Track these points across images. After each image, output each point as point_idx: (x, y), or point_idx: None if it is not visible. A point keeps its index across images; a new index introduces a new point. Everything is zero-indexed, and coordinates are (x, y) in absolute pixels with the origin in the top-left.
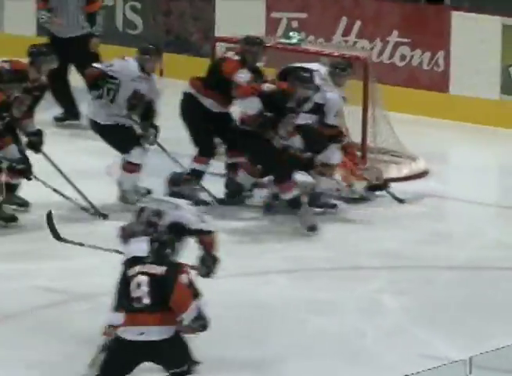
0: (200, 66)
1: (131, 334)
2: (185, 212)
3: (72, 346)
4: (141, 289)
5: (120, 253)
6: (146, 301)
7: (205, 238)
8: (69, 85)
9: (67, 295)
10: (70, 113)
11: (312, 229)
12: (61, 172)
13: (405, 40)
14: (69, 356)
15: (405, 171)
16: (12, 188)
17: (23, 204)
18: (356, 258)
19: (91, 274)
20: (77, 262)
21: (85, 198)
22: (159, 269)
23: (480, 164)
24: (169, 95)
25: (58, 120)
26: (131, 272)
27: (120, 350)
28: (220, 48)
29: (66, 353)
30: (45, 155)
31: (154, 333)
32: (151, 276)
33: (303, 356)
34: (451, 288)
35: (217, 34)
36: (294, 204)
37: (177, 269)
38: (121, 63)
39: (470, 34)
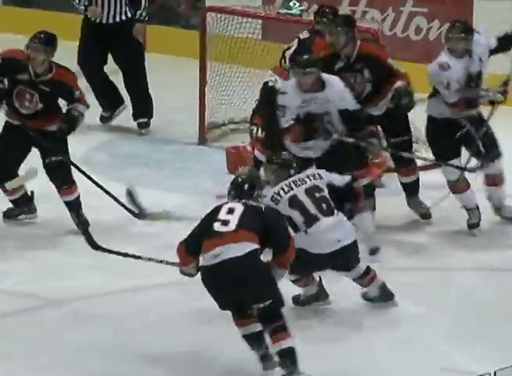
0: (188, 40)
1: (216, 257)
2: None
3: (43, 358)
4: (233, 214)
5: (172, 264)
6: (233, 225)
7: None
8: (108, 79)
9: (37, 301)
10: (112, 107)
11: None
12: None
13: (421, 10)
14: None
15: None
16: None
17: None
18: (368, 258)
19: (62, 277)
20: (47, 262)
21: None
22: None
23: (508, 151)
24: (153, 71)
25: (103, 120)
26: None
27: (214, 276)
28: (211, 20)
29: (34, 367)
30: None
31: (236, 250)
32: (250, 206)
33: (309, 368)
34: (473, 293)
35: (207, 3)
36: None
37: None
38: None
39: (496, 1)
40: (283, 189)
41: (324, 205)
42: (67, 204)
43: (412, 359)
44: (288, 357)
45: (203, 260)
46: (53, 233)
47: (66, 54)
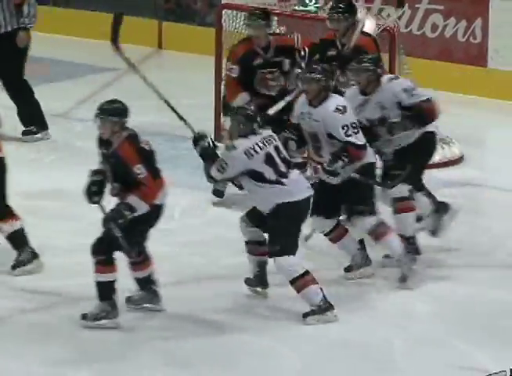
0: (204, 37)
1: None
2: None
3: (60, 354)
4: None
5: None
6: None
7: None
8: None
9: (55, 297)
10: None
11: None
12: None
13: (438, 7)
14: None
15: (437, 156)
16: None
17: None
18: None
19: (78, 274)
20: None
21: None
22: None
23: (498, 144)
24: (169, 69)
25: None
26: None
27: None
28: (227, 17)
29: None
30: None
31: None
32: None
33: (324, 368)
34: (488, 290)
35: (223, 0)
36: None
37: None
38: None
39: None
40: (258, 145)
41: (287, 164)
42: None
43: (427, 358)
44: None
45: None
46: (69, 231)
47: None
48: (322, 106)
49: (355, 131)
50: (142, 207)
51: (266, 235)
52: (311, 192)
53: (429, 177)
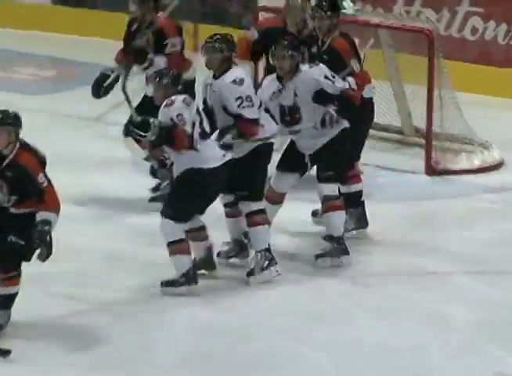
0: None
1: None
2: None
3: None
4: None
5: None
6: None
7: None
8: None
9: (88, 304)
10: None
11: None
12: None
13: (477, 9)
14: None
15: (476, 161)
16: None
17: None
18: (420, 262)
19: (113, 282)
20: (96, 264)
21: None
22: None
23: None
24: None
25: None
26: None
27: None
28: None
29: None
30: None
31: None
32: None
33: (360, 374)
34: None
35: (260, 3)
36: None
37: None
38: None
39: None
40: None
41: (204, 128)
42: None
43: (464, 364)
44: None
45: None
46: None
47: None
48: (221, 78)
49: (249, 104)
50: (55, 219)
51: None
52: (224, 160)
53: (468, 182)
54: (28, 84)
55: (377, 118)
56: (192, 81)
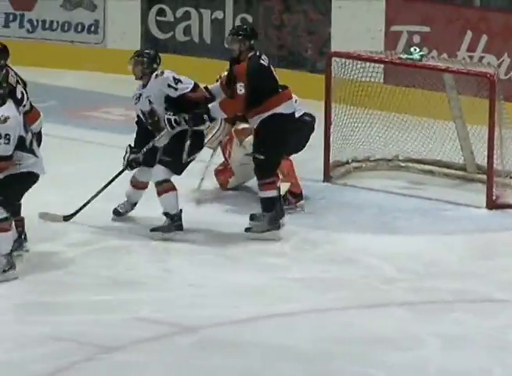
0: (315, 83)
1: None
2: None
3: None
4: None
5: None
6: None
7: None
8: None
9: (171, 327)
10: None
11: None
12: None
13: None
14: None
15: None
16: None
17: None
18: (484, 290)
19: (195, 305)
20: (179, 292)
21: None
22: None
23: None
24: None
25: None
26: None
27: None
28: (336, 64)
29: None
30: None
31: None
32: None
33: None
34: None
35: (333, 48)
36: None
37: None
38: None
39: None
40: None
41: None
42: None
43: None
44: None
45: None
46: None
47: None
48: None
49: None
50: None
51: None
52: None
53: None
54: (117, 123)
55: (442, 156)
56: None
